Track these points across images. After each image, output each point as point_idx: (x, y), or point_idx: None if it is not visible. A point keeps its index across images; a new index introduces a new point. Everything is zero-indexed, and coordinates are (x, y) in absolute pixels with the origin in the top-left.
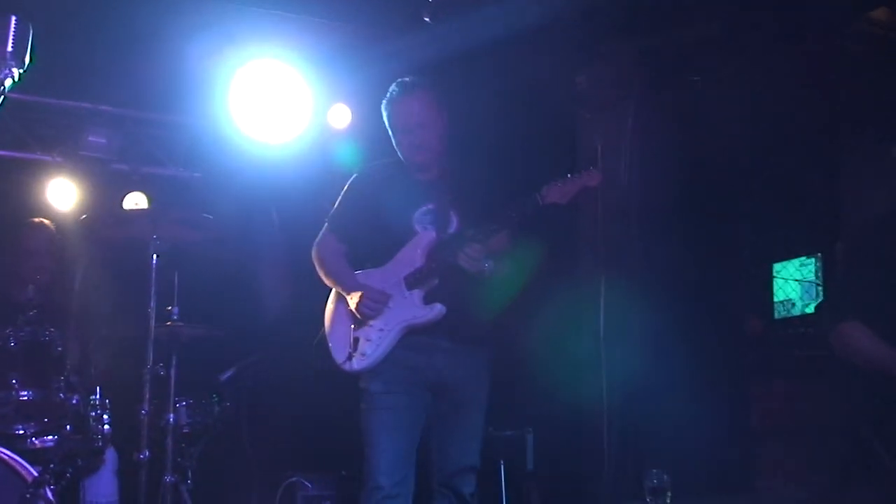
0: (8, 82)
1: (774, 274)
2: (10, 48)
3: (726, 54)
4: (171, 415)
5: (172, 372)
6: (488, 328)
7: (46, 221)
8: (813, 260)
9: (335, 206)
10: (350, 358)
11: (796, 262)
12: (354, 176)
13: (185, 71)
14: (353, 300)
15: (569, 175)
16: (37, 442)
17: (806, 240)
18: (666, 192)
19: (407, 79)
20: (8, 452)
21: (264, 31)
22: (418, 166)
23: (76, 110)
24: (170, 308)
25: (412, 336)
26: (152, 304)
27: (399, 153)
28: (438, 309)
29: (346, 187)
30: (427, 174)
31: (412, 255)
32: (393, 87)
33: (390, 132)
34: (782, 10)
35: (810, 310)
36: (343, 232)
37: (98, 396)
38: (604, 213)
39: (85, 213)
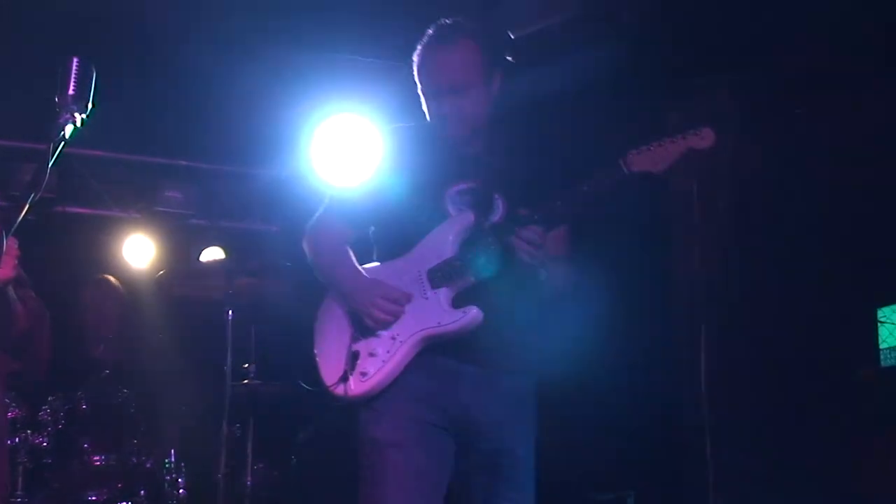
0: (69, 128)
1: (882, 319)
2: (71, 91)
3: (826, 85)
4: (249, 479)
5: (250, 433)
6: (534, 352)
7: (111, 278)
8: None
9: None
10: (345, 379)
11: None
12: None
13: (260, 124)
14: (357, 301)
15: (669, 138)
16: None
17: None
18: (766, 230)
19: (448, 20)
20: None
21: (340, 79)
22: (451, 139)
23: (152, 166)
24: (246, 365)
25: (430, 356)
26: (229, 360)
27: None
28: (474, 314)
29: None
30: (470, 147)
31: (441, 243)
32: (430, 30)
33: (419, 89)
34: (881, 39)
35: None
36: (350, 211)
37: (173, 459)
38: (702, 252)
39: (161, 270)
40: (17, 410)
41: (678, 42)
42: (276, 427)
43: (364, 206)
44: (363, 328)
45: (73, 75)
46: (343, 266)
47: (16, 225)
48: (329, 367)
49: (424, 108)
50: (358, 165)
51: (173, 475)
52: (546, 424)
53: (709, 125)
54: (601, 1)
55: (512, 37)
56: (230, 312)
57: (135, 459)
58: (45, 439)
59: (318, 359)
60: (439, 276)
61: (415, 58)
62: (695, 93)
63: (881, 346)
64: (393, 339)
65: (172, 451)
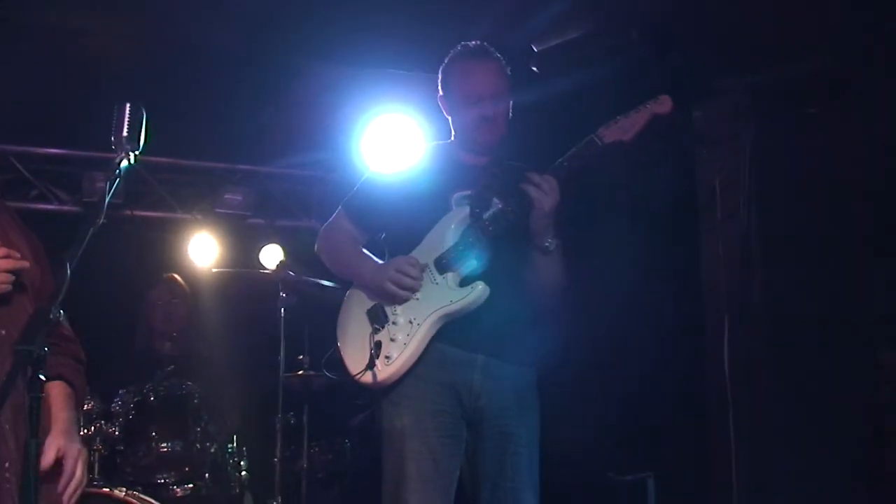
0: (123, 164)
1: None
2: (125, 133)
3: (842, 85)
4: (305, 461)
5: (305, 419)
6: (531, 345)
7: (178, 277)
8: None
9: (356, 187)
10: (371, 366)
11: None
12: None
13: (313, 127)
14: (379, 279)
15: (633, 110)
16: (178, 490)
17: None
18: (788, 227)
19: (475, 42)
20: (151, 501)
21: (386, 87)
22: (478, 146)
23: (213, 170)
24: (301, 357)
25: (442, 347)
26: (282, 354)
27: (457, 126)
28: (480, 288)
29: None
30: (478, 158)
31: (443, 234)
32: (458, 48)
33: (448, 101)
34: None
35: None
36: (364, 217)
37: (234, 445)
38: (724, 250)
39: (223, 268)
40: (91, 403)
41: (696, 46)
42: (331, 414)
43: (374, 210)
44: (382, 320)
45: (125, 119)
46: (360, 255)
47: (76, 259)
48: (354, 358)
49: (454, 116)
50: (404, 161)
51: (235, 459)
52: (566, 407)
53: (665, 93)
54: (613, 18)
55: (535, 49)
56: (283, 310)
57: (198, 446)
58: (117, 428)
59: (342, 352)
60: (444, 262)
61: (451, 68)
62: (716, 94)
63: None
64: (410, 322)
65: (235, 437)
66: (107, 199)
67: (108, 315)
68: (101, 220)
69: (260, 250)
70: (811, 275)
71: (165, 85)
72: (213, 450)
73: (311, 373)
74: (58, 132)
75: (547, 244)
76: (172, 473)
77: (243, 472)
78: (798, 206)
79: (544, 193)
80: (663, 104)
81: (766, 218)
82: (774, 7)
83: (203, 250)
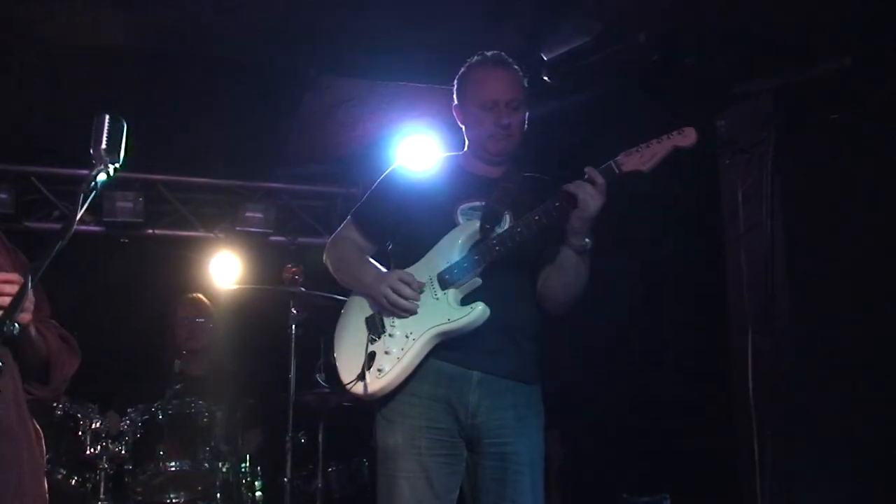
0: (101, 177)
1: None
2: (103, 146)
3: (864, 88)
4: (320, 481)
5: (320, 438)
6: (535, 361)
7: (200, 296)
8: None
9: (364, 197)
10: (362, 377)
11: None
12: (394, 166)
13: (332, 144)
14: (378, 288)
15: (655, 139)
16: None
17: None
18: (813, 237)
19: (492, 52)
20: None
21: (406, 101)
22: (492, 155)
23: (233, 188)
24: (318, 375)
25: (438, 363)
26: (292, 372)
27: (471, 135)
28: (480, 309)
29: (381, 177)
30: (491, 169)
31: (449, 249)
32: (475, 57)
33: (464, 109)
34: None
35: None
36: (371, 227)
37: (248, 465)
38: (748, 261)
39: (244, 285)
40: (98, 422)
41: (714, 48)
42: (348, 432)
43: (384, 221)
44: (379, 330)
45: (104, 132)
46: (364, 263)
47: (39, 274)
48: (347, 368)
49: (469, 125)
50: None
51: (248, 479)
52: (580, 426)
53: (691, 125)
54: (621, 23)
55: (545, 58)
56: (293, 326)
57: (207, 465)
58: (123, 448)
59: (337, 361)
60: (447, 278)
61: (466, 76)
62: (738, 99)
63: None
64: (406, 336)
65: (248, 456)
66: (79, 214)
67: (130, 333)
68: (71, 234)
69: (281, 269)
70: (838, 287)
71: (182, 103)
72: (224, 469)
73: (327, 390)
74: (79, 153)
75: (584, 243)
76: (182, 493)
77: (257, 493)
78: (823, 216)
79: (591, 196)
80: (687, 136)
81: (790, 228)
82: (793, 7)
83: (225, 269)
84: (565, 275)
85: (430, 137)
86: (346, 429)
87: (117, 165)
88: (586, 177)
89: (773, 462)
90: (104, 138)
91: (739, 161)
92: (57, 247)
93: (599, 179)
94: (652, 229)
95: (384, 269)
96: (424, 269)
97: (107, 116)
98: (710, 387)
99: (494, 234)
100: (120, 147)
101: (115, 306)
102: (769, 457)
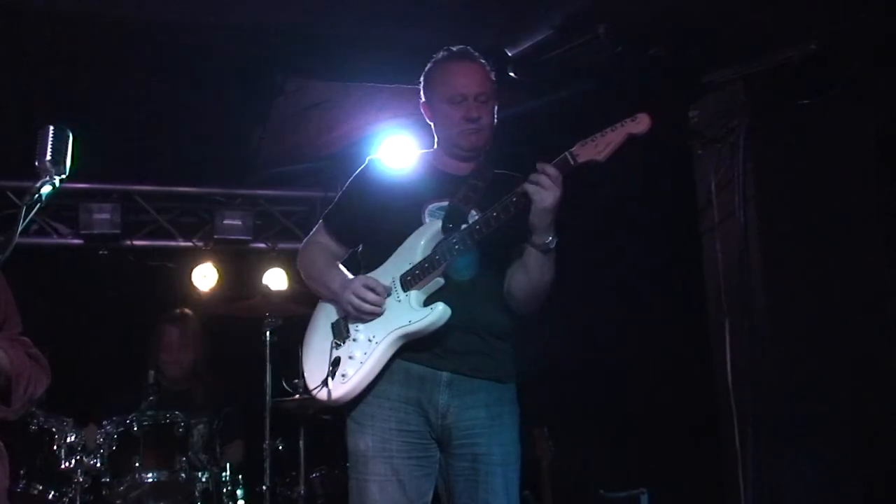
0: (46, 189)
1: None
2: (48, 157)
3: (831, 73)
4: (302, 487)
5: (301, 444)
6: (507, 359)
7: (189, 311)
8: None
9: (335, 200)
10: (326, 383)
11: None
12: (363, 166)
13: (310, 147)
14: (344, 295)
15: (609, 128)
16: None
17: None
18: (787, 225)
19: (458, 46)
20: None
21: (381, 104)
22: (463, 150)
23: (210, 196)
24: (297, 381)
25: (407, 365)
26: (268, 379)
27: (440, 132)
28: (440, 309)
29: (352, 177)
30: (462, 165)
31: (411, 249)
32: (442, 52)
33: (432, 105)
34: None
35: None
36: (341, 231)
37: (228, 473)
38: (723, 251)
39: (225, 294)
40: (74, 436)
41: (680, 39)
42: (331, 438)
43: (353, 223)
44: (343, 335)
45: (49, 142)
46: (331, 268)
47: None
48: (313, 372)
49: (437, 121)
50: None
51: (229, 488)
52: (557, 423)
53: (645, 111)
54: (580, 15)
55: (509, 53)
56: (268, 333)
57: (184, 475)
58: (99, 460)
59: (304, 367)
60: (409, 279)
61: (433, 71)
62: (708, 89)
63: None
64: (369, 340)
65: (228, 464)
66: (20, 226)
67: (110, 346)
68: (12, 248)
69: (263, 275)
70: (812, 274)
71: (156, 112)
72: (204, 479)
73: (307, 396)
74: (73, 162)
75: (547, 242)
76: (162, 503)
77: (239, 501)
78: (796, 203)
79: (544, 188)
80: (640, 123)
81: (764, 217)
82: None
83: (206, 278)
84: (529, 273)
85: (409, 137)
86: (329, 434)
87: (63, 176)
88: (538, 170)
89: (754, 450)
90: (49, 150)
91: (712, 151)
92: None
93: (552, 171)
94: (630, 223)
95: (351, 276)
96: (388, 271)
97: (51, 128)
98: (689, 379)
99: (455, 233)
100: (66, 158)
101: (95, 318)
102: (750, 444)
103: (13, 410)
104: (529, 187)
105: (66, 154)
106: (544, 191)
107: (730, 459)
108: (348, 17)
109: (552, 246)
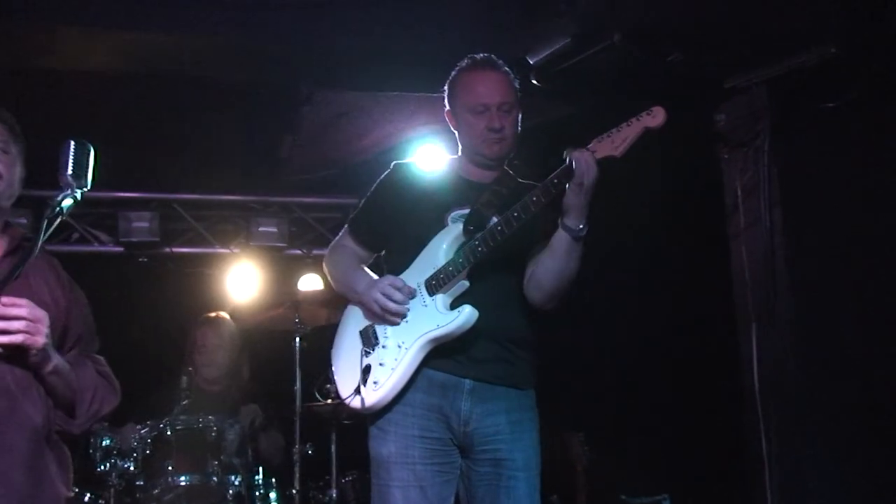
0: (67, 202)
1: None
2: (69, 171)
3: (851, 75)
4: (334, 490)
5: (333, 449)
6: (526, 366)
7: (225, 315)
8: None
9: (360, 204)
10: (358, 391)
11: None
12: (387, 171)
13: (341, 154)
14: (369, 295)
15: (624, 123)
16: None
17: None
18: (813, 230)
19: (481, 54)
20: None
21: (410, 112)
22: (486, 159)
23: (246, 203)
24: (329, 386)
25: (430, 373)
26: (297, 384)
27: (464, 140)
28: (468, 312)
29: (377, 182)
30: (485, 173)
31: (434, 254)
32: (466, 60)
33: (456, 114)
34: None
35: None
36: (366, 235)
37: (262, 477)
38: (749, 255)
39: (262, 301)
40: (109, 440)
41: (700, 44)
42: (364, 442)
43: (377, 228)
44: (373, 342)
45: (70, 156)
46: (357, 271)
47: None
48: (345, 382)
49: (461, 129)
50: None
51: (261, 491)
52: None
53: (659, 104)
54: (595, 23)
55: (531, 62)
56: (297, 339)
57: (216, 479)
58: (132, 464)
59: (335, 375)
60: (434, 283)
61: (456, 79)
62: (732, 93)
63: None
64: (399, 346)
65: (261, 468)
66: (41, 238)
67: (151, 351)
68: (34, 256)
69: (298, 280)
70: (839, 278)
71: (184, 124)
72: (237, 482)
73: (339, 402)
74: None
75: (580, 228)
76: None
77: None
78: (822, 207)
79: (588, 164)
80: (656, 116)
81: (790, 221)
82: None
83: (242, 284)
84: (556, 259)
85: (440, 145)
86: (361, 438)
87: (85, 190)
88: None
89: (780, 455)
90: (70, 164)
91: (738, 155)
92: (18, 271)
93: (589, 154)
94: (660, 228)
95: (376, 277)
96: (414, 276)
97: (72, 142)
98: (715, 383)
99: (477, 236)
100: (87, 171)
101: (135, 324)
102: (775, 450)
103: (77, 424)
104: (576, 154)
105: (87, 167)
106: (587, 164)
107: (756, 465)
108: (373, 30)
109: (583, 234)
